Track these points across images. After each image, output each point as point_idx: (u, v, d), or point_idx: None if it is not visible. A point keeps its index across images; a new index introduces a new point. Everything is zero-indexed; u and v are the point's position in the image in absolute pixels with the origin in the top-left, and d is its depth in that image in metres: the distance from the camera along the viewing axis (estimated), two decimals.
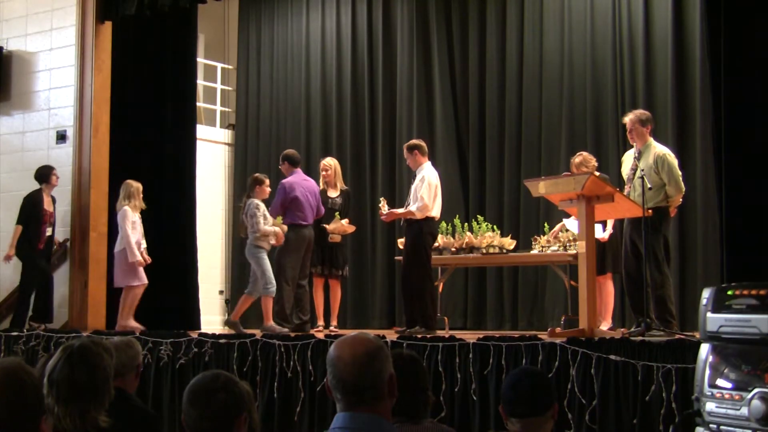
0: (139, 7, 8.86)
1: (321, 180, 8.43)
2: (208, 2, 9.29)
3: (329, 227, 8.10)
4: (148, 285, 8.23)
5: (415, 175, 7.74)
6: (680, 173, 6.76)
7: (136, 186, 8.27)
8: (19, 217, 8.66)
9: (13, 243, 8.59)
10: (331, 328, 8.26)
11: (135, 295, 8.14)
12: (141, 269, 8.13)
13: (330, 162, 8.52)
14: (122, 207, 8.13)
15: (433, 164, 9.88)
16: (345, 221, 8.25)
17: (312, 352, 6.35)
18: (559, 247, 7.63)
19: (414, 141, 7.99)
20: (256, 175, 8.09)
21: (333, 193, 8.32)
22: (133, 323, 8.03)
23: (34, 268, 8.65)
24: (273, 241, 7.84)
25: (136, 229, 8.12)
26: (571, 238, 7.49)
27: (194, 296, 9.29)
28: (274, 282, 7.72)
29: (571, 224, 7.59)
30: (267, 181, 7.98)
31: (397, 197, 9.66)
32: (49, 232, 8.72)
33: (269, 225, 7.78)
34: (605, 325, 7.18)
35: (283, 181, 8.10)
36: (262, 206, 7.82)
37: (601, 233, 7.15)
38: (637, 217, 6.38)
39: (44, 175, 8.82)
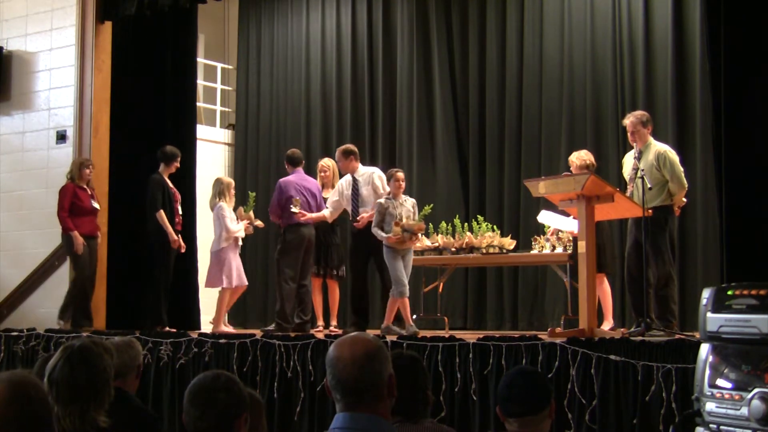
0: (139, 7, 8.86)
1: (319, 180, 8.43)
2: (208, 2, 9.29)
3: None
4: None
5: (355, 180, 7.87)
6: (682, 170, 6.76)
7: (227, 182, 8.19)
8: (153, 202, 8.12)
9: (169, 230, 8.05)
10: (331, 328, 8.26)
11: (225, 298, 8.02)
12: (236, 272, 7.98)
13: (328, 163, 8.53)
14: (217, 204, 8.00)
15: (433, 164, 9.99)
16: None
17: (312, 352, 6.36)
18: (556, 246, 7.63)
19: (350, 145, 8.12)
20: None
21: (327, 193, 8.31)
22: (223, 327, 7.96)
23: (167, 263, 8.21)
24: (410, 241, 7.35)
25: (235, 222, 8.01)
26: (570, 238, 7.49)
27: (194, 296, 9.30)
28: (400, 283, 7.15)
29: (544, 217, 7.59)
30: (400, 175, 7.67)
31: None
32: (180, 211, 8.38)
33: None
34: (607, 325, 7.17)
35: (280, 180, 8.09)
36: (386, 205, 7.34)
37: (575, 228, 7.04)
38: (642, 216, 6.37)
39: (170, 156, 8.34)
